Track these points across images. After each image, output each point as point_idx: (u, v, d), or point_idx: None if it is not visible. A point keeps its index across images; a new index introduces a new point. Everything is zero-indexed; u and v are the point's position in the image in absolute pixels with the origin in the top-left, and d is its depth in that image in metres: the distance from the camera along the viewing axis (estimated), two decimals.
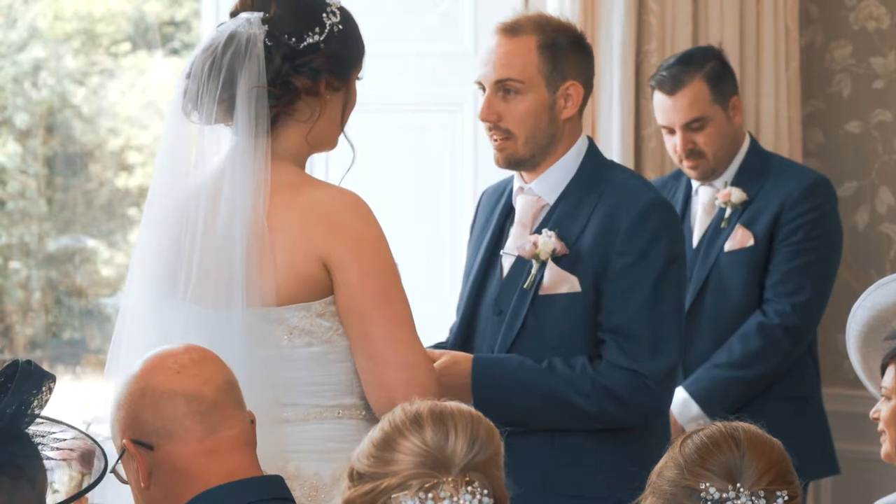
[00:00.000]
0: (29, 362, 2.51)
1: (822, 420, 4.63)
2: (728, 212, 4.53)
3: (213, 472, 2.58)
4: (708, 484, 2.45)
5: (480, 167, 4.90)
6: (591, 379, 3.42)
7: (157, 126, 7.81)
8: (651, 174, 4.91)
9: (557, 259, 3.49)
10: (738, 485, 2.45)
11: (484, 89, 3.57)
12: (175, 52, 7.99)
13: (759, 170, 4.54)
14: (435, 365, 3.35)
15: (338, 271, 3.02)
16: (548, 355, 3.45)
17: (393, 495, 2.31)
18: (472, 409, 2.41)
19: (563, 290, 3.48)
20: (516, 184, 3.64)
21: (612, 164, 3.67)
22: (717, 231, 4.54)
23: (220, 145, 3.12)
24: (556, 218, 3.53)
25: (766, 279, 4.49)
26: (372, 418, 3.05)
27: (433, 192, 5.04)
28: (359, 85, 3.21)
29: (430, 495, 2.28)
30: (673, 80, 4.49)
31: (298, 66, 3.07)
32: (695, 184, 4.63)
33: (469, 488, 2.30)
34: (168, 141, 3.15)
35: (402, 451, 2.33)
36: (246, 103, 3.04)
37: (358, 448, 2.41)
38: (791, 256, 4.46)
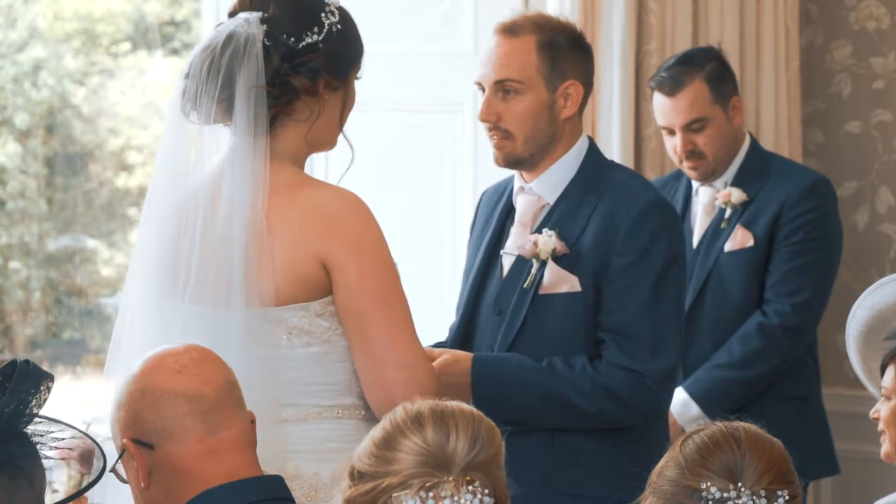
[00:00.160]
0: (27, 362, 2.51)
1: (822, 420, 4.62)
2: (728, 212, 4.52)
3: (214, 472, 2.58)
4: (709, 483, 2.45)
5: (480, 167, 4.90)
6: (591, 378, 3.42)
7: (157, 126, 7.81)
8: (651, 174, 4.91)
9: (557, 259, 3.49)
10: (739, 484, 2.45)
11: (483, 90, 3.57)
12: (175, 52, 7.99)
13: (759, 170, 4.54)
14: (435, 363, 3.36)
15: (337, 271, 3.02)
16: (548, 355, 3.45)
17: (394, 494, 2.31)
18: (474, 409, 2.41)
19: (563, 289, 3.48)
20: (517, 184, 3.64)
21: (612, 164, 3.67)
22: (717, 231, 4.54)
23: (220, 145, 3.12)
24: (556, 218, 3.53)
25: (766, 279, 4.49)
26: (371, 418, 3.05)
27: (433, 192, 5.04)
28: (358, 85, 3.21)
29: (430, 494, 2.28)
30: (673, 81, 4.49)
31: (297, 65, 3.07)
32: (695, 184, 4.63)
33: (470, 488, 2.30)
34: (167, 141, 3.15)
35: (404, 451, 2.33)
36: (245, 103, 3.04)
37: (359, 447, 2.41)
38: (791, 256, 4.46)
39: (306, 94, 3.09)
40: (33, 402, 2.51)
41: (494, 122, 3.54)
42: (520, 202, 3.62)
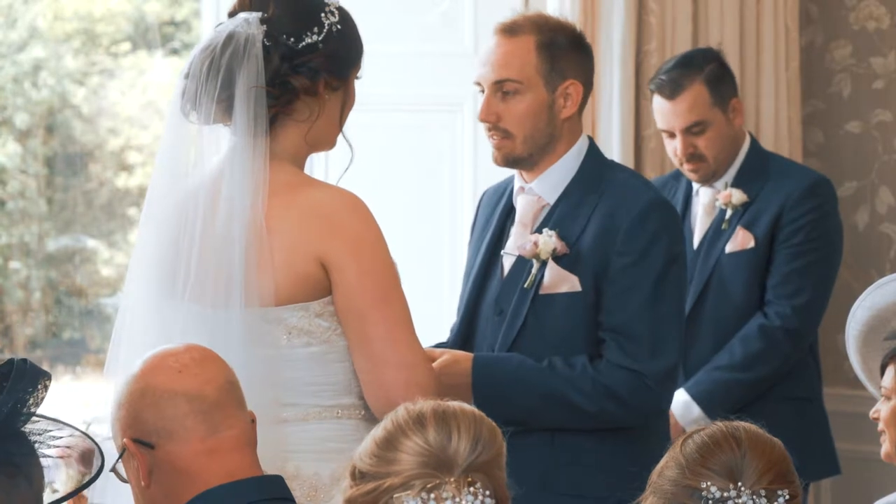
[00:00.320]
0: (24, 360, 2.51)
1: (823, 420, 4.62)
2: (728, 213, 4.52)
3: (214, 472, 2.58)
4: (709, 483, 2.45)
5: (480, 167, 4.89)
6: (592, 378, 3.42)
7: (157, 126, 7.81)
8: (651, 174, 4.91)
9: (558, 259, 3.49)
10: (740, 484, 2.45)
11: (483, 90, 3.57)
12: (175, 52, 7.99)
13: (759, 170, 4.54)
14: (435, 364, 3.36)
15: (336, 271, 3.02)
16: (548, 355, 3.45)
17: (395, 495, 2.31)
18: (475, 410, 2.41)
19: (564, 289, 3.48)
20: (517, 184, 3.64)
21: (612, 164, 3.67)
22: (717, 232, 4.53)
23: (220, 145, 3.12)
24: (556, 218, 3.53)
25: (766, 280, 4.48)
26: (371, 418, 3.04)
27: (433, 192, 5.04)
28: (358, 85, 3.21)
29: (432, 496, 2.28)
30: (672, 84, 4.48)
31: (297, 65, 3.07)
32: (695, 184, 4.63)
33: (471, 489, 2.30)
34: (167, 141, 3.15)
35: (405, 451, 2.33)
36: (244, 103, 3.04)
37: (360, 447, 2.41)
38: (791, 258, 4.46)
39: (306, 94, 3.09)
40: (31, 401, 2.51)
41: (494, 122, 3.54)
42: (520, 202, 3.62)
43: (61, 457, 2.55)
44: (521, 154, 3.55)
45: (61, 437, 2.57)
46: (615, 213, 3.47)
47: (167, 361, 2.63)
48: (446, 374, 3.36)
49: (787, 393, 4.51)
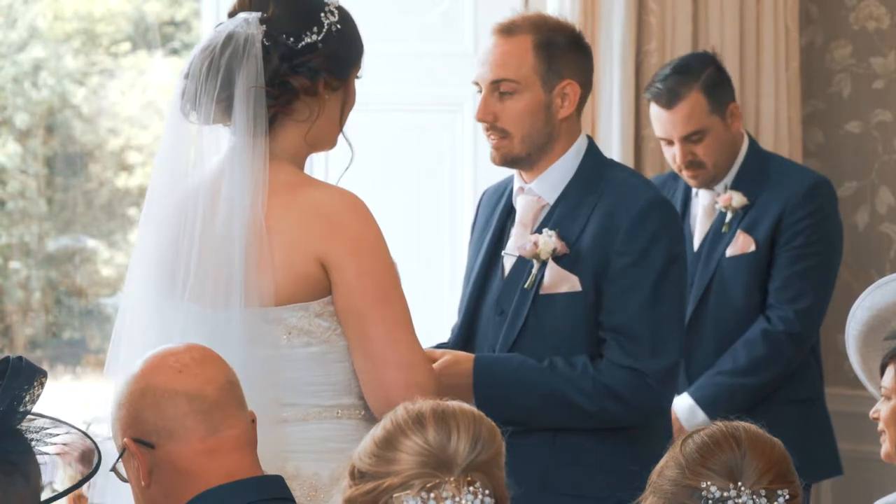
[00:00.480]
0: (20, 358, 2.51)
1: (825, 421, 4.62)
2: (729, 216, 4.51)
3: (214, 472, 2.58)
4: (709, 483, 2.45)
5: (480, 167, 4.89)
6: (593, 378, 3.42)
7: (157, 126, 7.81)
8: (651, 174, 4.90)
9: (558, 259, 3.49)
10: (740, 484, 2.45)
11: (481, 89, 3.57)
12: (175, 52, 7.99)
13: (758, 171, 4.53)
14: (436, 365, 3.36)
15: (336, 271, 3.02)
16: (549, 355, 3.45)
17: (394, 495, 2.31)
18: (474, 409, 2.41)
19: (564, 289, 3.48)
20: (516, 184, 3.64)
21: (612, 163, 3.67)
22: (717, 235, 4.52)
23: (219, 145, 3.12)
24: (556, 217, 3.53)
25: (768, 284, 4.48)
26: (371, 418, 3.04)
27: (433, 192, 5.04)
28: (358, 85, 3.21)
29: (431, 495, 2.28)
30: (669, 93, 4.44)
31: (296, 65, 3.07)
32: None
33: (471, 488, 2.30)
34: (167, 141, 3.15)
35: (405, 451, 2.33)
36: (244, 103, 3.04)
37: (359, 446, 2.41)
38: (793, 261, 4.45)
39: (306, 94, 3.08)
40: (27, 398, 2.51)
41: (491, 122, 3.55)
42: (520, 203, 3.62)
43: (59, 454, 2.55)
44: (519, 154, 3.55)
45: (58, 435, 2.57)
46: (615, 212, 3.47)
47: (167, 361, 2.63)
48: (447, 375, 3.36)
49: (791, 395, 4.51)
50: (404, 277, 3.11)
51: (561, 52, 3.53)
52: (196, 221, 3.04)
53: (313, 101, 3.10)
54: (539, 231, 3.53)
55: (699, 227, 4.58)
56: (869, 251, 5.29)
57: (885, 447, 3.17)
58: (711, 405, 4.40)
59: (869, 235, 5.30)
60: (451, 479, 2.30)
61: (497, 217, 3.68)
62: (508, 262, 3.59)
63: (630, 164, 4.88)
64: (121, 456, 2.62)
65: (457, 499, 2.28)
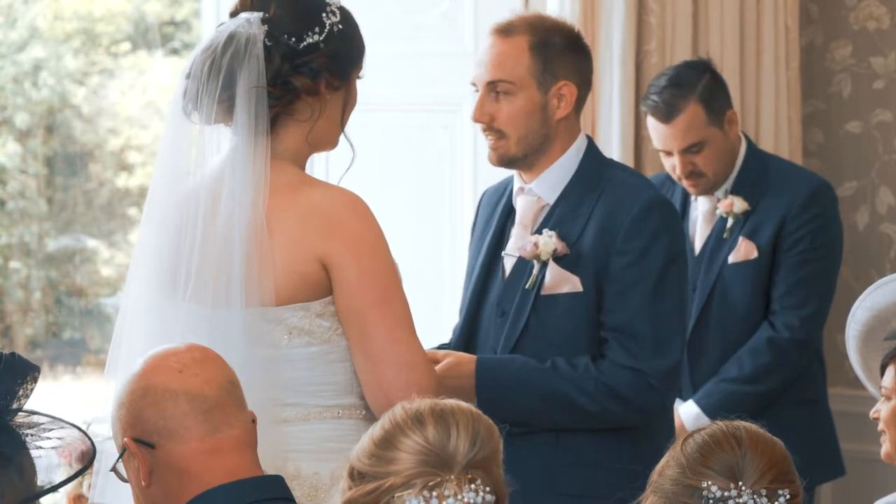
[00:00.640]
0: (13, 354, 2.51)
1: (829, 422, 4.63)
2: (730, 221, 4.50)
3: (214, 472, 2.58)
4: (710, 482, 2.45)
5: (480, 167, 4.89)
6: (595, 378, 3.42)
7: (157, 126, 7.81)
8: (650, 174, 4.90)
9: (558, 259, 3.49)
10: (740, 483, 2.45)
11: (478, 90, 3.57)
12: (175, 52, 7.99)
13: (758, 174, 4.51)
14: (439, 367, 3.36)
15: (336, 271, 3.02)
16: (551, 355, 3.45)
17: (396, 494, 2.30)
18: (472, 407, 2.41)
19: (565, 290, 3.48)
20: (516, 184, 3.64)
21: (611, 163, 3.67)
22: (719, 241, 4.51)
23: (220, 145, 3.12)
24: (556, 218, 3.53)
25: (771, 290, 4.47)
26: (371, 418, 3.04)
27: (433, 192, 5.04)
28: (358, 84, 3.21)
29: (434, 493, 2.28)
30: (667, 106, 4.41)
31: (298, 65, 3.07)
32: None
33: (472, 486, 2.30)
34: (168, 141, 3.15)
35: (404, 450, 2.33)
36: (245, 103, 3.04)
37: (357, 447, 2.41)
38: (796, 267, 4.44)
39: (307, 94, 3.08)
40: (20, 393, 2.51)
41: (487, 123, 3.55)
42: (519, 203, 3.62)
43: (55, 448, 2.54)
44: (516, 154, 3.55)
45: (53, 430, 2.56)
46: (615, 212, 3.47)
47: (168, 361, 2.63)
48: (450, 377, 3.36)
49: (795, 397, 4.51)
50: (404, 277, 3.11)
51: (557, 52, 3.53)
52: (197, 221, 3.04)
53: (315, 101, 3.10)
54: (539, 231, 3.53)
55: (699, 232, 4.57)
56: (869, 251, 5.29)
57: (885, 447, 3.17)
58: (717, 413, 4.39)
59: (869, 235, 5.30)
60: (452, 477, 2.30)
61: (497, 217, 3.68)
62: (509, 263, 3.59)
63: (630, 164, 4.87)
64: (121, 456, 2.62)
65: (459, 496, 2.28)
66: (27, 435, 2.51)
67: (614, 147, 4.89)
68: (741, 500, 2.44)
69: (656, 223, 3.46)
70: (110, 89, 7.94)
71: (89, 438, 2.63)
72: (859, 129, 5.31)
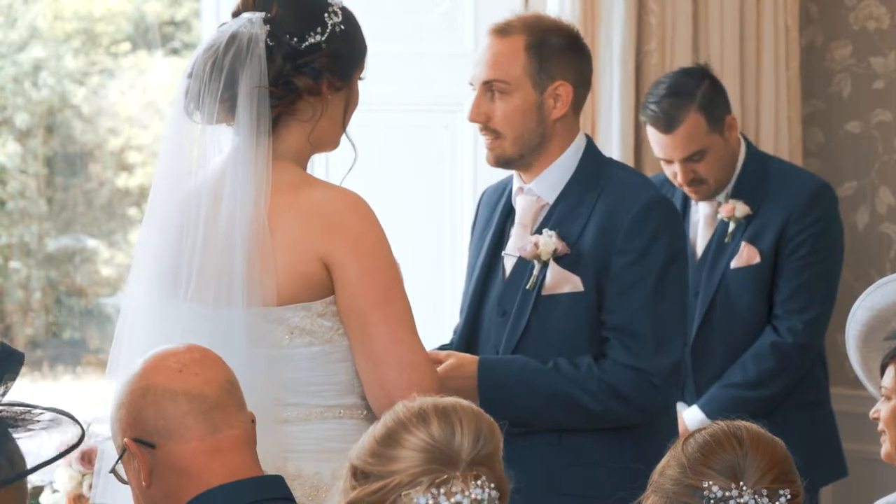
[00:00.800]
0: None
1: (831, 424, 4.63)
2: (731, 226, 4.49)
3: (214, 472, 2.58)
4: (711, 482, 2.45)
5: (480, 167, 4.89)
6: (597, 378, 3.42)
7: (157, 126, 7.81)
8: (650, 174, 4.90)
9: (559, 259, 3.49)
10: (741, 483, 2.45)
11: (475, 90, 3.58)
12: (175, 52, 7.99)
13: (758, 176, 4.51)
14: (441, 368, 3.36)
15: (338, 271, 3.02)
16: (552, 355, 3.45)
17: (403, 493, 2.30)
18: (473, 405, 2.41)
19: (566, 289, 3.48)
20: (515, 184, 3.64)
21: (611, 162, 3.67)
22: (721, 246, 4.50)
23: (222, 145, 3.12)
24: (556, 218, 3.53)
25: (774, 294, 4.47)
26: (373, 418, 3.03)
27: (433, 192, 5.04)
28: (359, 85, 3.21)
29: (441, 491, 2.28)
30: (667, 116, 4.39)
31: (300, 65, 3.07)
32: None
33: (478, 482, 2.30)
34: (170, 140, 3.15)
35: (408, 448, 2.33)
36: (247, 103, 3.04)
37: (357, 445, 2.40)
38: (798, 271, 4.44)
39: (309, 94, 3.08)
40: (7, 378, 2.50)
41: (483, 123, 3.55)
42: (519, 203, 3.62)
43: (45, 429, 2.53)
44: (513, 154, 3.55)
45: (42, 413, 2.55)
46: (615, 211, 3.47)
47: (168, 361, 2.63)
48: (452, 378, 3.36)
49: (799, 399, 4.51)
50: (405, 277, 3.11)
51: (554, 52, 3.53)
52: (199, 221, 3.04)
53: (317, 102, 3.10)
54: (539, 231, 3.53)
55: (700, 236, 4.56)
56: (869, 251, 5.29)
57: (885, 447, 3.17)
58: (722, 418, 4.39)
59: (869, 235, 5.30)
60: (458, 474, 2.30)
61: (497, 217, 3.68)
62: (509, 263, 3.59)
63: (630, 163, 4.87)
64: (121, 456, 2.62)
65: (466, 493, 2.28)
66: (9, 427, 2.50)
67: (614, 147, 4.90)
68: (742, 500, 2.44)
69: (657, 222, 3.46)
70: (110, 89, 7.94)
71: (73, 418, 2.61)
72: (859, 129, 5.31)
